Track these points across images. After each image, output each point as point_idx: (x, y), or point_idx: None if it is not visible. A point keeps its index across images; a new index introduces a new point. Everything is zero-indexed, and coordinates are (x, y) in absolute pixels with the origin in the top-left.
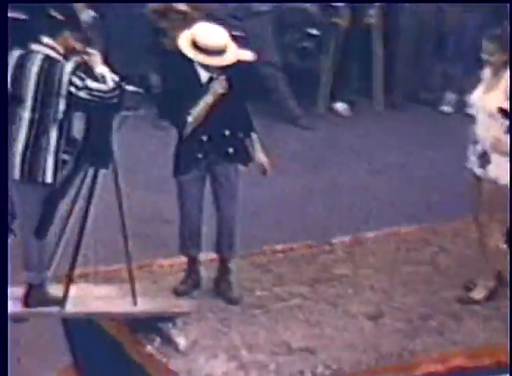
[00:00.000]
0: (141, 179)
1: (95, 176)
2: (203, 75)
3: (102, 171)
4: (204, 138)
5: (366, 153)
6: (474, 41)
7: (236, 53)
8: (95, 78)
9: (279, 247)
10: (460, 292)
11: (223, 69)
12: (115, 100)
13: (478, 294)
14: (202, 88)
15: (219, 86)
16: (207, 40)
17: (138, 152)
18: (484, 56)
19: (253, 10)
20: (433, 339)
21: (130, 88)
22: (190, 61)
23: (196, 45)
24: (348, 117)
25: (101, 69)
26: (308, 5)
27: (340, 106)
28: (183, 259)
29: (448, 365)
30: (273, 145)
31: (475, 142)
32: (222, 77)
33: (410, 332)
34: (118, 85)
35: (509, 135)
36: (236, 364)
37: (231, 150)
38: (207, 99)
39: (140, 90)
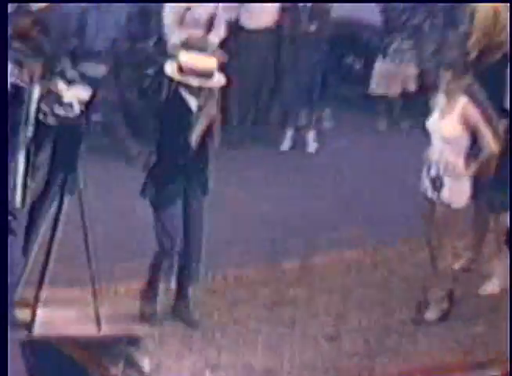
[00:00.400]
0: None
1: (61, 202)
2: (193, 103)
3: (68, 197)
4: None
5: None
6: (312, 78)
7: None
8: (62, 105)
9: (229, 272)
10: (413, 313)
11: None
12: (82, 127)
13: (431, 314)
14: (193, 116)
15: (211, 109)
16: (196, 63)
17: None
18: (441, 85)
19: (89, 50)
20: (390, 359)
21: (97, 116)
22: (176, 90)
23: (183, 70)
24: None
25: (67, 96)
26: (146, 44)
27: None
28: (141, 284)
29: None
30: (113, 184)
31: (429, 166)
32: (212, 101)
33: (368, 352)
34: (85, 113)
35: (509, 136)
36: None
37: (203, 179)
38: (203, 122)
39: (106, 119)
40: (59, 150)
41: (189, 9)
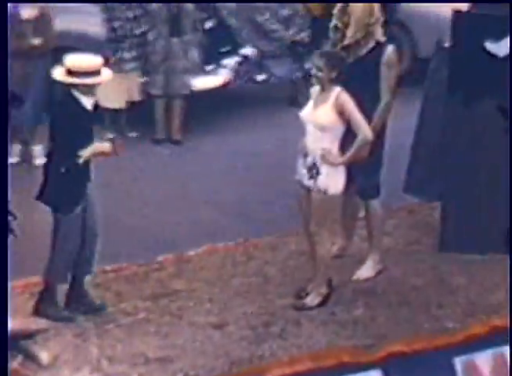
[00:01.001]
0: None
1: None
2: (87, 102)
3: None
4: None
5: None
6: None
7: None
8: None
9: (108, 267)
10: (294, 300)
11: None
12: None
13: (312, 300)
14: (90, 115)
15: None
16: (81, 63)
17: None
18: (314, 72)
19: None
20: (277, 344)
21: None
22: (69, 93)
23: (71, 72)
24: None
25: None
26: None
27: None
28: (37, 279)
29: (295, 368)
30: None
31: (305, 154)
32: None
33: (255, 338)
34: None
35: (509, 135)
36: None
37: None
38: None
39: None
40: None
41: None
